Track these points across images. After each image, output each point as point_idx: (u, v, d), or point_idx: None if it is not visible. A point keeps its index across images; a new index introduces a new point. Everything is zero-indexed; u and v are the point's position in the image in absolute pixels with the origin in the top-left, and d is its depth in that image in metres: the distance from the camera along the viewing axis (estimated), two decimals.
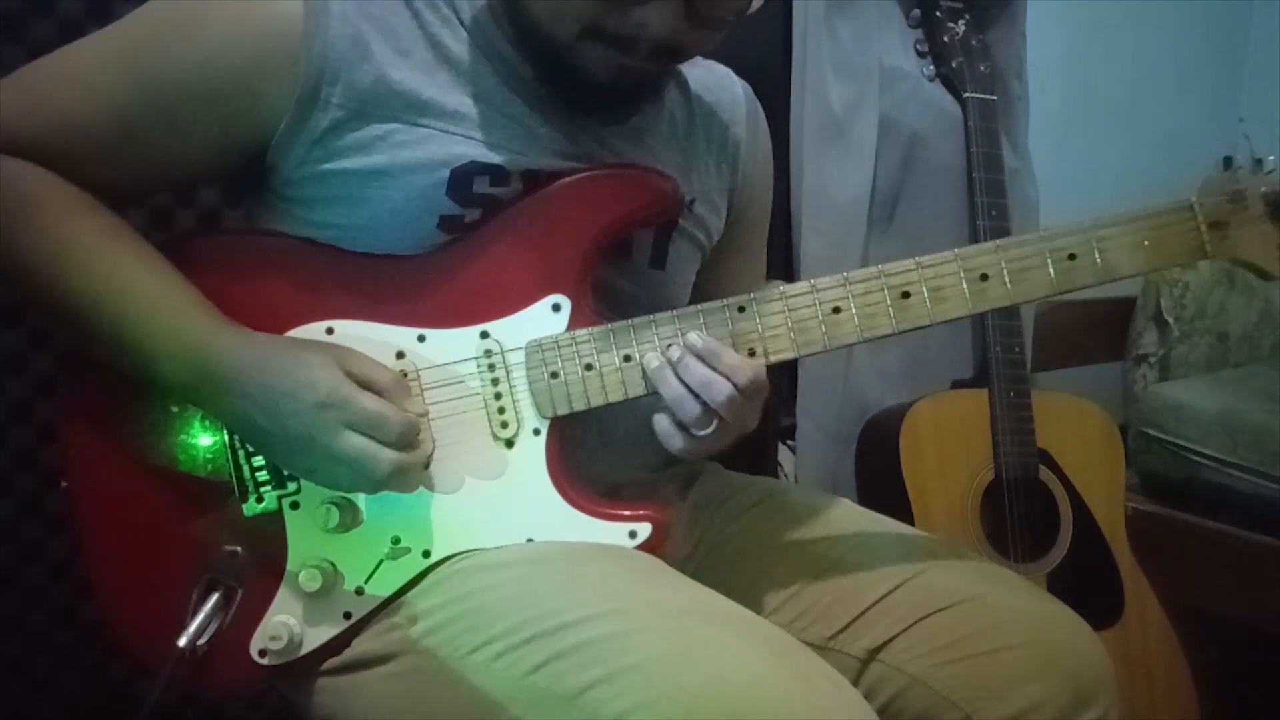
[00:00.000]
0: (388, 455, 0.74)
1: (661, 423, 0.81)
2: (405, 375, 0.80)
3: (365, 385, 0.76)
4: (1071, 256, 0.84)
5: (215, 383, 0.76)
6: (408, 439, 0.75)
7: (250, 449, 0.80)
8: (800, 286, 0.82)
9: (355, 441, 0.73)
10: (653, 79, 0.89)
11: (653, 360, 0.81)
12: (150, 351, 0.77)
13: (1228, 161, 0.88)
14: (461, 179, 0.82)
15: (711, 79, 1.00)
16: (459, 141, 0.82)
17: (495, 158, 0.83)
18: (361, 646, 0.81)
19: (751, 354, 0.81)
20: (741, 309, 0.82)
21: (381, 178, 0.81)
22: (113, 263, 0.78)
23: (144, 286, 0.78)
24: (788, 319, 0.82)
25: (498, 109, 0.84)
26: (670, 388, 0.79)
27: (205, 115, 0.80)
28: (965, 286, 0.83)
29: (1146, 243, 0.85)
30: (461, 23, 0.85)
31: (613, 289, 0.88)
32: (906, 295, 0.82)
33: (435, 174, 0.81)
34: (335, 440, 0.73)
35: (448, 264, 0.82)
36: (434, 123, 0.82)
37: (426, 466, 0.79)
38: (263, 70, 0.78)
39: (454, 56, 0.84)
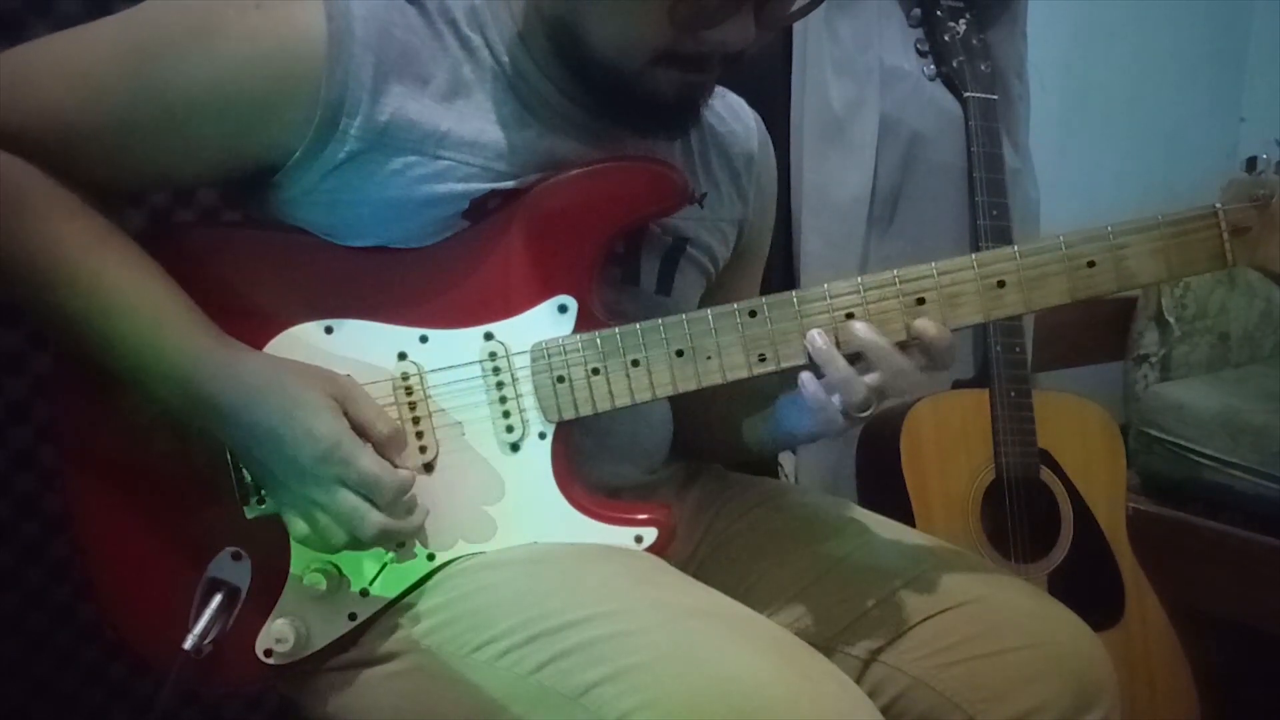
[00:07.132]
0: (376, 518, 0.73)
1: (816, 397, 0.79)
2: (407, 378, 0.79)
3: (363, 430, 0.74)
4: (1091, 264, 0.80)
5: (207, 410, 0.75)
6: (400, 505, 0.74)
7: None
8: (814, 292, 0.80)
9: (348, 500, 0.72)
10: (712, 87, 0.87)
11: (818, 339, 0.79)
12: (139, 372, 0.76)
13: (1251, 162, 0.82)
14: (478, 204, 0.80)
15: (725, 108, 0.99)
16: (477, 173, 0.80)
17: (512, 184, 0.81)
18: (364, 645, 0.80)
19: (762, 359, 0.80)
20: (753, 313, 0.80)
21: (397, 208, 0.79)
22: (97, 273, 0.74)
23: (131, 302, 0.75)
24: (800, 324, 0.80)
25: (516, 133, 0.82)
26: (838, 370, 0.78)
27: (212, 131, 0.76)
28: (982, 293, 0.80)
29: (1167, 250, 0.80)
30: (487, 45, 0.82)
31: (618, 313, 0.85)
32: (921, 301, 0.80)
33: (453, 205, 0.80)
34: (326, 494, 0.72)
35: (451, 261, 0.80)
36: (452, 154, 0.79)
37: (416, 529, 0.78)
38: (281, 93, 0.75)
39: (474, 82, 0.81)
